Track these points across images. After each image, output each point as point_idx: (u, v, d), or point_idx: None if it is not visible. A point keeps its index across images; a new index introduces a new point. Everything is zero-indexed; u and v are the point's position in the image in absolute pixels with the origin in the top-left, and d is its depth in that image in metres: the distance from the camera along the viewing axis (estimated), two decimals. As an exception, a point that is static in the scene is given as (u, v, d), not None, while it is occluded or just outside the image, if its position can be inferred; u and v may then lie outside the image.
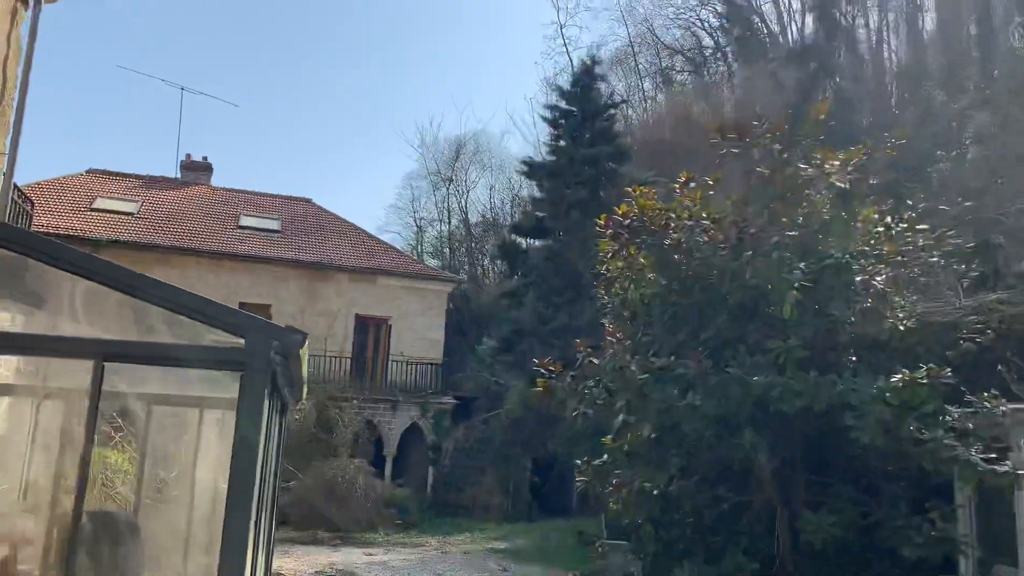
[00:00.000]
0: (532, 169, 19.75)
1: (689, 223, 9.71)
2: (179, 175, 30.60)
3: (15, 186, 12.86)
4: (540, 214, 18.98)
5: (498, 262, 26.42)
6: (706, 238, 9.58)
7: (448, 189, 41.60)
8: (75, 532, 4.28)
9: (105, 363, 4.13)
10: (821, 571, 9.34)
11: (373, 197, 70.14)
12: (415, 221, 42.62)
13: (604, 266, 10.80)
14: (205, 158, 31.15)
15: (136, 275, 4.34)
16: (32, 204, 13.37)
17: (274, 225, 28.14)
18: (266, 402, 5.05)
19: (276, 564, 14.24)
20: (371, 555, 16.08)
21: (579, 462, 11.52)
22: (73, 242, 23.69)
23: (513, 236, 20.08)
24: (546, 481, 25.47)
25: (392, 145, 74.64)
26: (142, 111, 64.76)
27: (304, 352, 4.77)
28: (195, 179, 30.38)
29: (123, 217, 25.89)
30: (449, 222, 41.30)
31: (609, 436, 10.53)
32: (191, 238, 25.67)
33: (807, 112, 9.73)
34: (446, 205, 40.92)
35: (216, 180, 31.37)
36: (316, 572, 13.50)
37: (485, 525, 22.21)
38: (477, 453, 24.94)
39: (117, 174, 29.23)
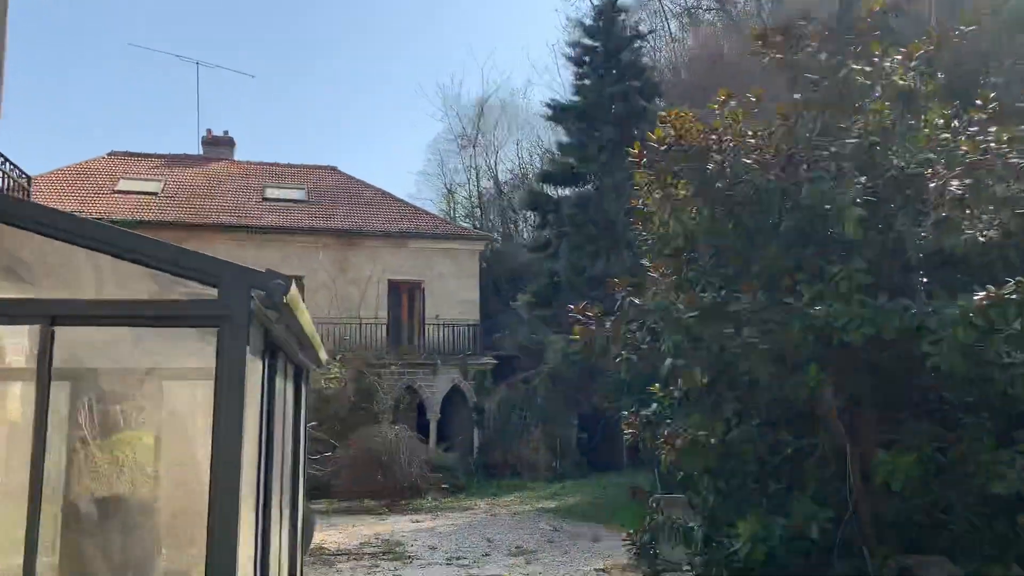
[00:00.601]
0: (558, 112, 18.76)
1: (732, 144, 8.77)
2: (201, 152, 30.17)
3: (8, 159, 12.36)
4: (569, 160, 18.10)
5: (530, 217, 25.46)
6: (752, 159, 8.65)
7: (475, 149, 40.74)
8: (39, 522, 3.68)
9: (55, 327, 3.49)
10: (900, 514, 8.52)
11: (401, 165, 69.28)
12: (445, 186, 41.91)
13: (640, 200, 9.94)
14: (226, 132, 30.66)
15: (72, 218, 3.65)
16: (29, 179, 12.84)
17: (300, 195, 27.61)
18: (257, 362, 4.41)
19: (319, 538, 13.87)
20: (418, 522, 15.65)
21: (625, 414, 10.79)
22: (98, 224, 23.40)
23: (542, 185, 19.19)
24: (594, 437, 24.90)
25: (416, 108, 73.32)
26: (160, 90, 64.45)
27: (296, 299, 4.08)
28: (217, 154, 29.94)
29: (147, 197, 25.56)
30: (478, 182, 40.50)
31: (656, 384, 9.79)
32: (216, 214, 25.26)
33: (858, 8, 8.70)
34: (473, 163, 40.08)
35: (239, 154, 30.93)
36: (361, 544, 13.07)
37: (534, 485, 21.75)
38: (521, 412, 24.43)
39: (139, 155, 28.91)
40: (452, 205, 41.10)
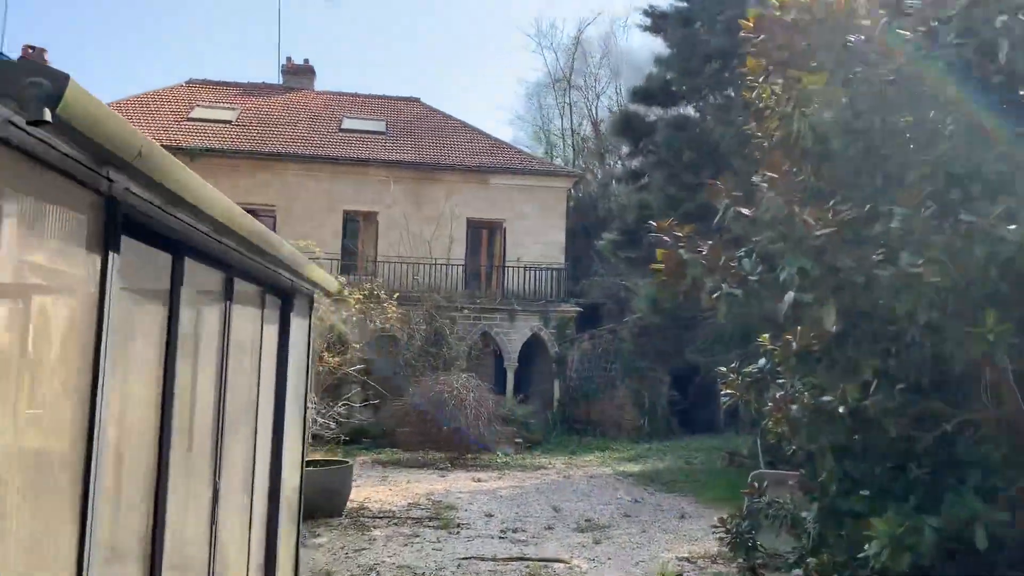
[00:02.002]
0: (657, 19, 16.23)
1: (883, 10, 6.36)
2: (281, 81, 28.93)
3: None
4: (667, 76, 15.66)
5: (623, 151, 22.94)
6: (913, 27, 6.24)
7: (570, 87, 38.23)
8: None
9: None
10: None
11: (494, 106, 66.90)
12: (541, 131, 39.63)
13: (753, 92, 7.55)
14: (306, 61, 29.28)
15: None
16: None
17: (379, 127, 25.99)
18: (80, 255, 2.53)
19: (365, 494, 12.34)
20: (480, 481, 13.95)
21: (724, 370, 8.53)
22: (167, 151, 22.38)
23: (634, 106, 16.86)
24: (686, 395, 22.69)
25: (510, 43, 70.13)
26: (242, 18, 63.76)
27: (91, 111, 2.13)
28: (297, 84, 28.64)
29: (220, 125, 24.43)
30: (572, 121, 38.04)
31: (766, 336, 7.62)
32: (289, 143, 23.91)
33: None
34: (568, 100, 37.59)
35: (320, 85, 29.56)
36: (409, 504, 11.44)
37: (617, 444, 19.82)
38: (607, 365, 22.42)
39: (217, 83, 27.87)
40: (549, 149, 38.83)
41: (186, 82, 27.61)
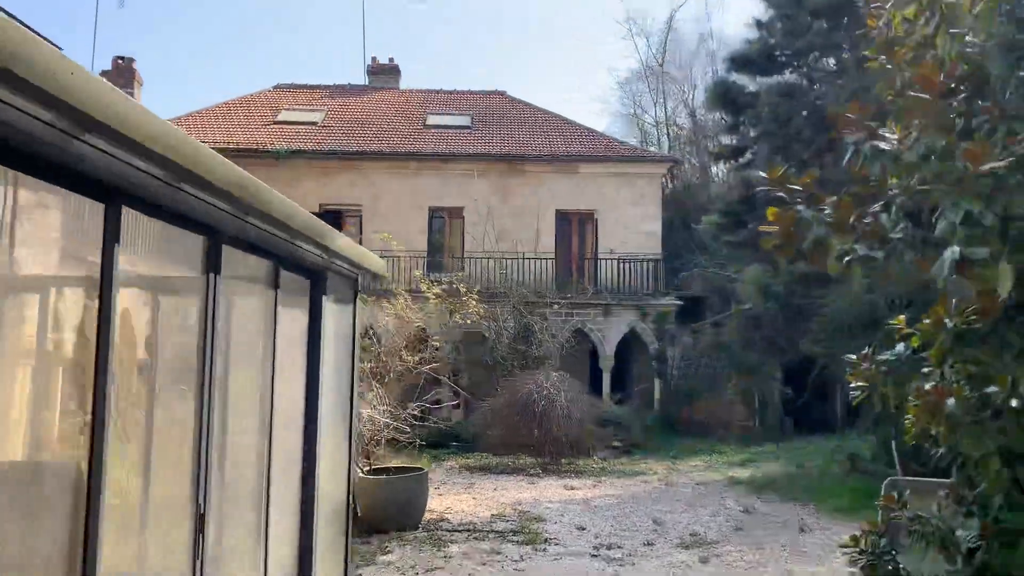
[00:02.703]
0: (756, -24, 14.63)
1: None
2: (367, 82, 28.60)
3: None
4: (770, 39, 14.13)
5: (722, 127, 21.21)
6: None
7: (662, 76, 36.59)
8: None
9: None
10: None
11: (585, 97, 65.26)
12: (636, 121, 38.09)
13: (880, 19, 6.01)
14: (391, 60, 28.86)
15: None
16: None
17: (463, 121, 25.22)
18: None
19: (447, 503, 11.41)
20: (573, 490, 12.83)
21: (853, 358, 6.95)
22: (253, 155, 22.26)
23: (733, 75, 15.34)
24: (800, 391, 20.85)
25: (600, 32, 68.10)
26: (328, 23, 64.41)
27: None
28: (383, 83, 28.26)
29: (306, 127, 24.21)
30: (665, 111, 36.40)
31: (901, 317, 6.15)
32: (374, 142, 23.41)
33: None
34: (660, 87, 35.97)
35: (406, 83, 29.09)
36: (493, 516, 10.44)
37: (724, 447, 18.31)
38: (711, 361, 20.87)
39: (304, 87, 27.78)
40: (643, 139, 37.26)
41: (274, 87, 27.61)
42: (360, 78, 28.84)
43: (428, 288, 13.30)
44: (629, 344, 21.53)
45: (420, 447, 17.05)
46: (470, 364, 18.81)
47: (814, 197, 5.23)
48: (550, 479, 13.97)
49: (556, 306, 19.49)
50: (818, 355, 14.44)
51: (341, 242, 4.64)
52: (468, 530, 9.56)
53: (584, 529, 9.73)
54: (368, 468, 9.52)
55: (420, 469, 9.91)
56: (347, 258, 5.10)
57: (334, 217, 21.29)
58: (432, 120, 25.22)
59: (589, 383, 20.50)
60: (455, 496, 11.88)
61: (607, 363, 20.81)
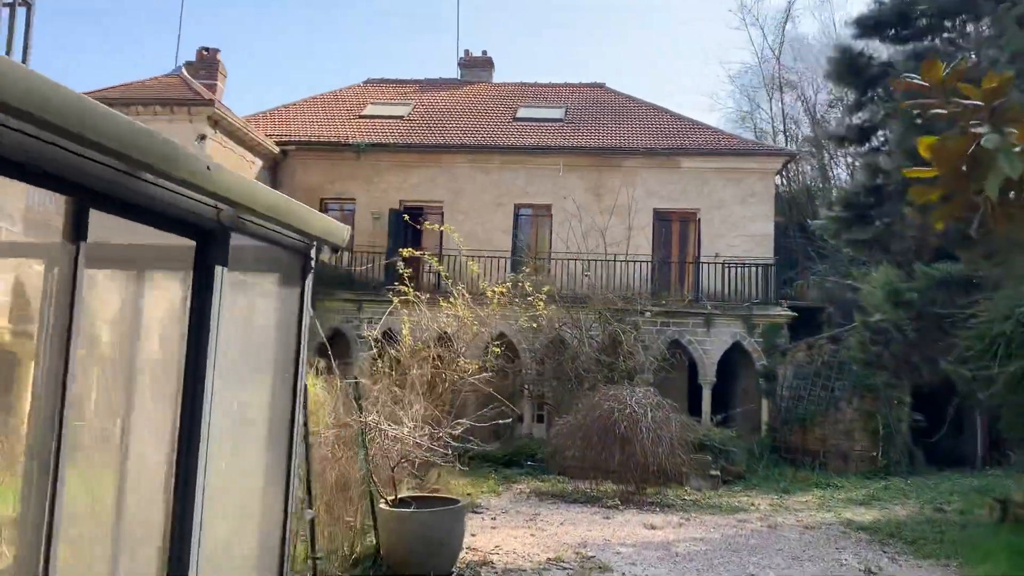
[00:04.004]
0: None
1: None
2: (459, 75, 27.35)
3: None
4: (902, -1, 11.72)
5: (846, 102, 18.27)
6: None
7: (778, 68, 33.74)
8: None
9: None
10: None
11: (693, 91, 62.09)
12: (752, 124, 35.32)
13: None
14: (484, 52, 27.50)
15: None
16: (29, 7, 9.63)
17: (556, 114, 23.50)
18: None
19: (496, 541, 9.54)
20: (654, 529, 10.81)
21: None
22: (336, 149, 21.26)
23: (859, 43, 12.87)
24: (936, 419, 17.94)
25: (711, 21, 64.51)
26: (422, 16, 63.72)
27: None
28: (474, 77, 26.95)
29: (391, 121, 23.08)
30: (782, 107, 33.52)
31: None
32: (458, 135, 22.00)
33: None
34: (776, 82, 33.14)
35: (500, 77, 27.69)
36: (549, 561, 8.59)
37: (842, 480, 15.80)
38: (828, 381, 18.27)
39: (394, 81, 26.82)
40: (758, 137, 34.42)
41: (364, 81, 26.75)
42: (453, 72, 27.58)
43: (487, 287, 11.60)
44: (733, 359, 19.20)
45: (491, 467, 15.42)
46: (553, 375, 17.02)
47: (1001, 113, 3.19)
48: (629, 513, 11.98)
49: (648, 314, 17.43)
50: (962, 374, 11.88)
51: (235, 182, 2.98)
52: (512, 579, 7.77)
53: (657, 586, 7.78)
54: (393, 499, 7.87)
55: (455, 501, 8.17)
56: (269, 216, 3.44)
57: (415, 214, 19.97)
58: (522, 113, 23.62)
59: (687, 401, 18.34)
60: (511, 530, 10.10)
61: (707, 380, 18.56)
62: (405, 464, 8.18)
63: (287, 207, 3.61)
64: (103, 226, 2.71)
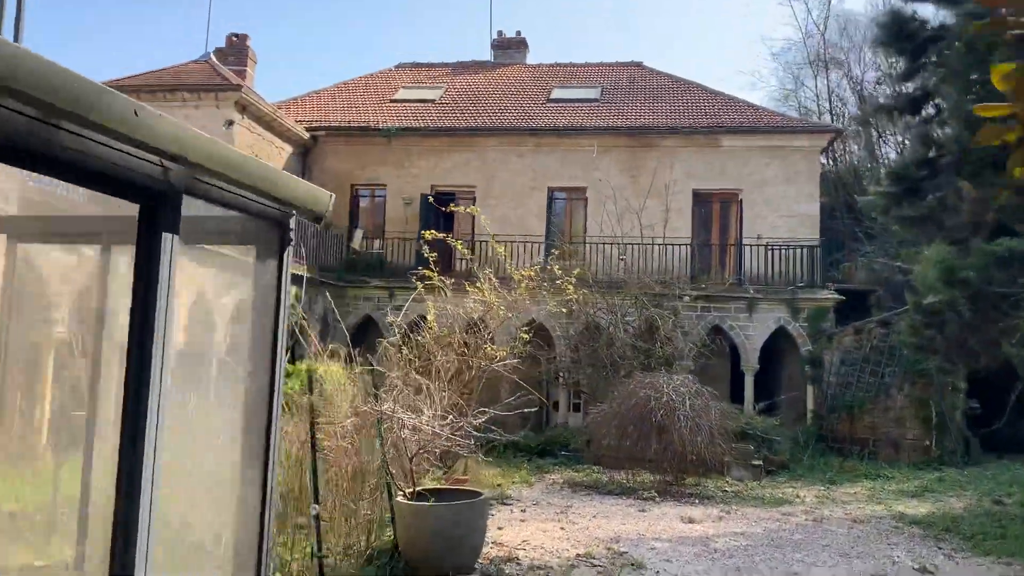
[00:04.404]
0: None
1: None
2: (492, 57, 26.83)
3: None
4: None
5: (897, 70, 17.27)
6: None
7: (823, 43, 32.59)
8: None
9: None
10: None
11: (734, 69, 60.55)
12: (796, 102, 34.19)
13: None
14: (518, 33, 26.94)
15: None
16: None
17: (592, 94, 22.87)
18: None
19: (524, 535, 9.09)
20: (691, 522, 10.28)
21: None
22: (366, 134, 20.95)
23: (910, 5, 12.10)
24: (993, 406, 17.06)
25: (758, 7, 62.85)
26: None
27: None
28: (508, 59, 26.42)
29: (422, 105, 22.67)
30: (827, 84, 32.37)
31: None
32: (491, 117, 21.51)
33: None
34: (822, 58, 32.01)
35: (535, 58, 27.12)
36: (578, 557, 8.13)
37: (892, 471, 15.07)
38: (878, 367, 17.48)
39: (426, 65, 26.43)
40: (802, 115, 33.31)
41: (395, 66, 26.40)
42: (487, 55, 27.04)
43: (513, 270, 11.13)
44: (776, 345, 18.50)
45: (525, 456, 15.00)
46: (588, 362, 16.50)
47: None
48: (667, 505, 11.46)
49: (687, 298, 16.81)
50: (1020, 357, 11.11)
51: (183, 135, 2.55)
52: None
53: (692, 586, 7.27)
54: (411, 491, 7.47)
55: (477, 493, 7.74)
56: (233, 178, 3.02)
57: (446, 199, 19.57)
58: (557, 94, 23.05)
59: (728, 390, 17.70)
60: (540, 523, 9.66)
61: (750, 367, 17.89)
62: (424, 455, 7.77)
63: (255, 168, 3.18)
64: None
